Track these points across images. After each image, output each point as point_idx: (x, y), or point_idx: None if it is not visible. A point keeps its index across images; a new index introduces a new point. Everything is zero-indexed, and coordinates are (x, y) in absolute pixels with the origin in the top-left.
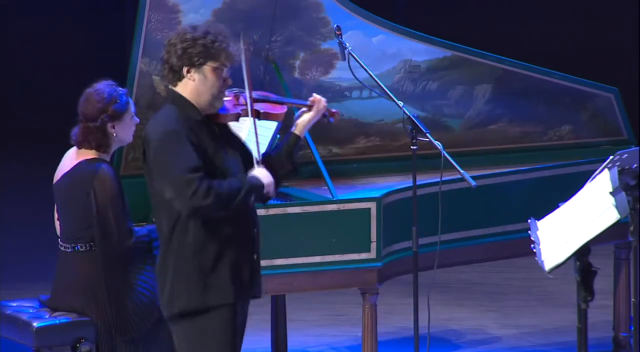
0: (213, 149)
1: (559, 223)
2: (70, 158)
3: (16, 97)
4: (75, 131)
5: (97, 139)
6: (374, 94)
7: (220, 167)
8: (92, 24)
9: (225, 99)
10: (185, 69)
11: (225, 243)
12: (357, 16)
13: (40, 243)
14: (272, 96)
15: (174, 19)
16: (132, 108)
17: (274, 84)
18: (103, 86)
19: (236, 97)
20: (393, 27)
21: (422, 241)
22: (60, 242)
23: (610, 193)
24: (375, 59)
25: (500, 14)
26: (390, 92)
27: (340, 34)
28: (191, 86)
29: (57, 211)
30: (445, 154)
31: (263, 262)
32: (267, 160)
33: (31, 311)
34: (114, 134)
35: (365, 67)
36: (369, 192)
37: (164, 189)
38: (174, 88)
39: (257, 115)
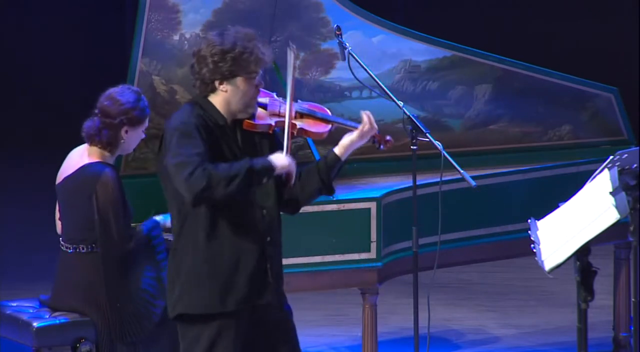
0: (225, 153)
1: (559, 223)
2: (75, 160)
3: (17, 98)
4: (89, 124)
5: (109, 136)
6: (374, 94)
7: None
8: (92, 24)
9: (263, 107)
10: (217, 82)
11: (228, 250)
12: (357, 16)
13: (41, 243)
14: (319, 112)
15: (174, 19)
16: (147, 122)
17: (274, 84)
18: (130, 91)
19: (279, 106)
20: (393, 27)
21: (422, 241)
22: (62, 242)
23: (610, 193)
24: (375, 59)
25: (500, 14)
26: (390, 92)
27: (340, 34)
28: (222, 97)
29: (58, 211)
30: (445, 154)
31: None
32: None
33: (31, 311)
34: (124, 139)
35: (365, 67)
36: (369, 192)
37: (171, 177)
38: (204, 98)
39: (293, 129)
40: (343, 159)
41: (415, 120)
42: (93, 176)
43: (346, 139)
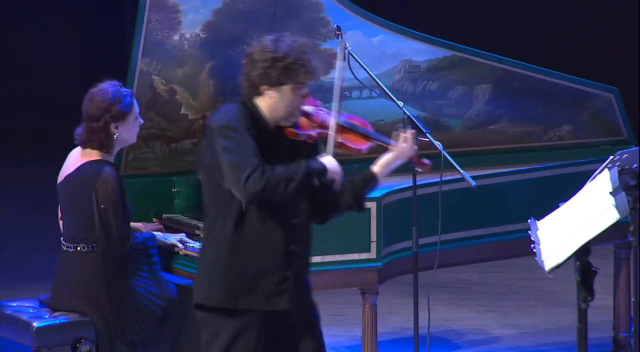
0: (271, 156)
1: (559, 223)
2: (75, 159)
3: (16, 98)
4: (79, 130)
5: (100, 139)
6: (374, 94)
7: None
8: (92, 24)
9: (306, 116)
10: (264, 87)
11: (252, 252)
12: (357, 16)
13: (41, 243)
14: (361, 127)
15: (174, 19)
16: (136, 109)
17: None
18: (107, 86)
19: (323, 117)
20: (393, 27)
21: (422, 241)
22: (63, 241)
23: (610, 193)
24: (375, 59)
25: (500, 14)
26: (390, 92)
27: (340, 34)
28: (268, 102)
29: (60, 210)
30: (445, 154)
31: None
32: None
33: (31, 311)
34: (117, 135)
35: (365, 67)
36: None
37: (223, 176)
38: (250, 100)
39: (335, 143)
40: (380, 177)
41: (415, 121)
42: (93, 175)
43: (384, 158)
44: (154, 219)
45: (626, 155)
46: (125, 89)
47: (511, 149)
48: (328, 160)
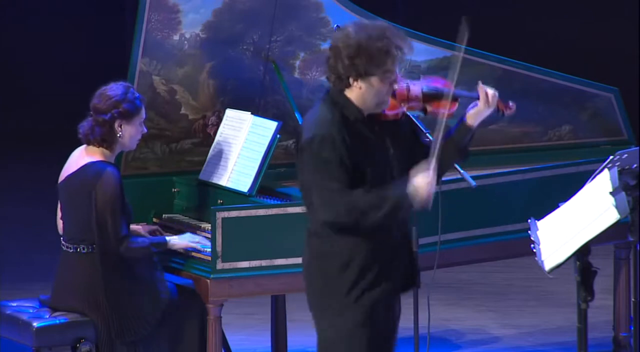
0: (369, 147)
1: (559, 223)
2: (76, 159)
3: (17, 98)
4: (83, 124)
5: (102, 133)
6: None
7: (374, 167)
8: (92, 24)
9: (392, 95)
10: (351, 79)
11: (368, 247)
12: (357, 16)
13: (41, 243)
14: (446, 89)
15: (174, 19)
16: (143, 114)
17: (274, 84)
18: (120, 85)
19: (407, 90)
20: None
21: (422, 241)
22: (63, 242)
23: (610, 193)
24: None
25: (500, 14)
26: None
27: None
28: (357, 92)
29: (60, 210)
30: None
31: (263, 262)
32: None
33: (31, 311)
34: (120, 134)
35: None
36: None
37: (312, 192)
38: (340, 92)
39: (424, 111)
40: (475, 127)
41: (415, 121)
42: (95, 175)
43: (474, 110)
44: (154, 219)
45: (626, 155)
46: (138, 93)
47: (511, 149)
48: (418, 188)
